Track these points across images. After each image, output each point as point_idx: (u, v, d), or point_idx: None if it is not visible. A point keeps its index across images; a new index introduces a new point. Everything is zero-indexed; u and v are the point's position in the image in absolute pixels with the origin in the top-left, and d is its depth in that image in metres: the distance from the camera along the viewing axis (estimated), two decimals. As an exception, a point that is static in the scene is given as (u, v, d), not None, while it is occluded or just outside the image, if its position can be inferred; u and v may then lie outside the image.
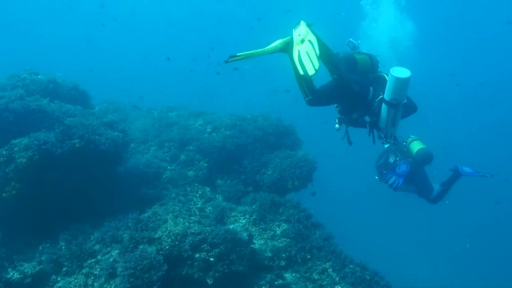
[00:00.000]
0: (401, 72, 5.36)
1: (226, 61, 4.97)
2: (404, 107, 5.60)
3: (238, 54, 4.96)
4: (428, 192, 8.21)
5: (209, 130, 10.82)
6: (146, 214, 7.54)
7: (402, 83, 5.38)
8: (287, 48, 5.13)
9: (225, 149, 9.95)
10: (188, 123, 11.43)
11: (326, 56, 5.15)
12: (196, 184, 9.40)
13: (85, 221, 7.46)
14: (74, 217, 7.49)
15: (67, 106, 8.35)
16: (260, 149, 10.21)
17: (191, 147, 10.30)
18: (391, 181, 8.26)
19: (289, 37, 5.14)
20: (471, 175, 7.61)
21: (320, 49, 4.77)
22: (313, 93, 5.22)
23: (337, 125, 6.45)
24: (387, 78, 5.60)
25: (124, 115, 12.54)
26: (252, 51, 5.04)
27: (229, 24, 35.97)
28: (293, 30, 5.12)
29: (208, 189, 9.40)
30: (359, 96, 5.71)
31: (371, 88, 5.82)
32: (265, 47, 5.16)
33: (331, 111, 6.53)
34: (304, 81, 5.18)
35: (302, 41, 4.90)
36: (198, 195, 9.09)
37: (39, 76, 9.66)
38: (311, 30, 4.96)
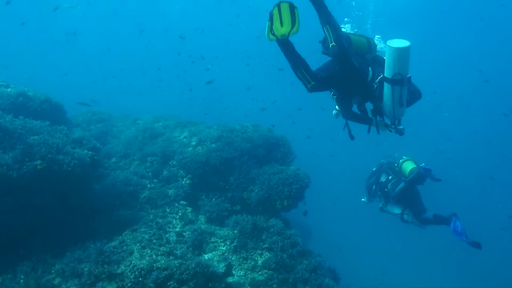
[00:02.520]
0: (399, 42, 4.93)
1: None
2: (408, 83, 5.13)
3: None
4: (420, 210, 7.96)
5: (194, 143, 10.05)
6: (112, 243, 6.82)
7: (402, 54, 4.93)
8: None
9: (209, 164, 9.14)
10: (173, 135, 10.69)
11: (329, 21, 4.95)
12: (176, 204, 8.65)
13: (56, 246, 6.81)
14: (39, 244, 6.86)
15: (32, 122, 7.64)
16: (248, 163, 9.41)
17: (174, 162, 9.56)
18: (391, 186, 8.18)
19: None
20: (456, 236, 7.15)
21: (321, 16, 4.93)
22: (314, 78, 4.92)
23: (335, 111, 6.04)
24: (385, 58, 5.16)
25: (108, 126, 11.84)
26: None
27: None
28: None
29: (189, 209, 8.64)
30: (358, 75, 5.31)
31: (370, 68, 5.47)
32: None
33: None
34: (304, 69, 4.89)
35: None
36: (178, 217, 8.36)
37: (9, 89, 9.00)
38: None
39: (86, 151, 7.73)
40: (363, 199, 9.16)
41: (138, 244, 6.67)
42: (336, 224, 23.45)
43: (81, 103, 9.84)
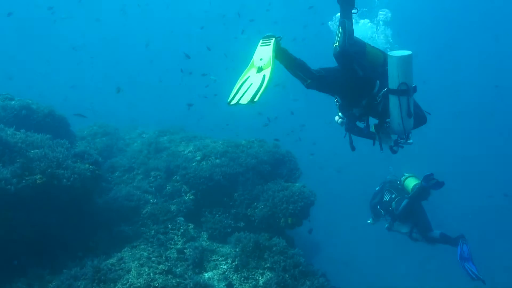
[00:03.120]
0: (401, 52, 4.87)
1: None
2: (415, 91, 5.02)
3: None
4: (426, 228, 7.72)
5: (198, 158, 9.89)
6: (111, 260, 6.66)
7: (406, 62, 4.84)
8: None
9: (213, 180, 8.97)
10: (178, 149, 10.55)
11: (344, 24, 4.91)
12: (178, 220, 8.49)
13: (55, 261, 6.71)
14: (38, 260, 6.73)
15: (34, 136, 7.57)
16: (252, 179, 9.23)
17: (177, 177, 9.41)
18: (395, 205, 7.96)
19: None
20: (463, 264, 7.01)
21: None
22: (311, 76, 4.80)
23: (340, 120, 5.84)
24: None
25: (113, 139, 11.74)
26: None
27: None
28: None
29: (192, 225, 8.48)
30: (362, 84, 5.17)
31: (378, 81, 5.22)
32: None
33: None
34: (299, 69, 4.78)
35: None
36: (179, 233, 8.19)
37: (13, 102, 8.93)
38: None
39: (87, 165, 7.61)
40: (368, 221, 8.96)
41: (136, 262, 6.51)
42: (346, 239, 23.10)
43: (78, 114, 9.72)
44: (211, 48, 21.16)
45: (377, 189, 8.82)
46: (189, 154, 10.19)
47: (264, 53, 4.36)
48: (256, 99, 3.90)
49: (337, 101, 5.68)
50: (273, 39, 4.54)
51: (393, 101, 5.01)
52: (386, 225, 8.44)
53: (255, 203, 8.87)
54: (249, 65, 4.40)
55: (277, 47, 4.57)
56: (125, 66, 35.80)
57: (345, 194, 25.59)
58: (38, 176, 6.70)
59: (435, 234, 7.66)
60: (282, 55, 4.66)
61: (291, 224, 8.33)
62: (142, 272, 6.20)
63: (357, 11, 5.15)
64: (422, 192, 7.40)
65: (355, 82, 5.09)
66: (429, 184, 7.13)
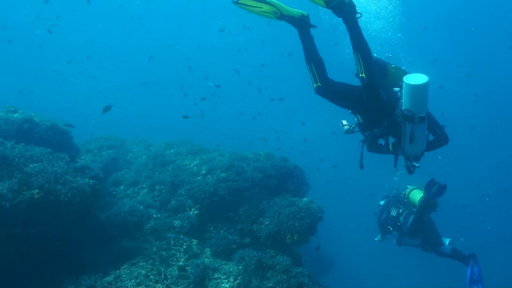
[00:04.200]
0: (416, 78, 4.66)
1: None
2: (423, 121, 4.82)
3: None
4: (436, 242, 7.47)
5: (203, 171, 9.67)
6: (108, 278, 6.44)
7: (417, 91, 4.66)
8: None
9: (217, 195, 8.72)
10: (184, 163, 10.34)
11: (360, 48, 4.82)
12: (182, 236, 8.26)
13: (52, 279, 6.53)
14: (33, 277, 6.54)
15: (34, 149, 7.43)
16: (258, 194, 8.96)
17: (182, 191, 9.18)
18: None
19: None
20: (471, 286, 6.68)
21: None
22: (324, 81, 4.83)
23: (346, 127, 5.72)
24: None
25: (120, 153, 11.59)
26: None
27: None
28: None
29: (195, 241, 8.23)
30: (385, 107, 5.10)
31: (400, 102, 5.12)
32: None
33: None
34: (314, 64, 4.86)
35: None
36: (182, 250, 7.94)
37: (16, 115, 8.84)
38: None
39: (87, 179, 7.43)
40: (376, 239, 8.63)
41: (133, 280, 6.27)
42: (359, 253, 22.68)
43: (67, 125, 9.53)
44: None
45: (381, 203, 8.54)
46: (194, 168, 9.98)
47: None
48: None
49: (357, 120, 5.56)
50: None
51: (402, 124, 4.96)
52: (394, 241, 8.16)
53: (261, 219, 8.60)
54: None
55: (303, 28, 4.96)
56: (140, 74, 35.85)
57: (356, 206, 25.23)
58: (36, 191, 6.52)
59: (446, 250, 7.37)
60: (307, 39, 4.94)
61: (297, 241, 8.02)
62: (138, 291, 5.95)
63: (361, 15, 4.93)
64: (427, 204, 7.13)
65: (380, 105, 5.02)
66: (432, 192, 6.81)
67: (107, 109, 8.72)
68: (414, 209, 7.64)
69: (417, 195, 7.71)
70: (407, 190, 8.11)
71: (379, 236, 8.56)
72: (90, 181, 7.46)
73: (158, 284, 6.24)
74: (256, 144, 17.89)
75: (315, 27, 5.10)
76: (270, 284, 6.56)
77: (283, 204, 8.53)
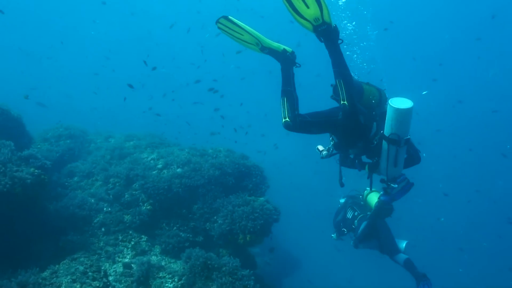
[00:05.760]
0: (401, 102, 4.68)
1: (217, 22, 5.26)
2: (406, 144, 4.92)
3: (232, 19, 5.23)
4: (390, 250, 7.18)
5: (160, 166, 9.39)
6: (45, 273, 6.14)
7: (402, 115, 4.69)
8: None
9: (171, 191, 8.48)
10: (141, 156, 10.04)
11: (342, 74, 4.82)
12: (130, 232, 8.00)
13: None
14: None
15: (-25, 137, 7.09)
16: (214, 192, 8.73)
17: (136, 186, 8.89)
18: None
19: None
20: None
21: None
22: (292, 117, 4.87)
23: (325, 152, 5.68)
24: None
25: (78, 143, 11.20)
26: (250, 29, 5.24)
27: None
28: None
29: (144, 238, 7.99)
30: (361, 130, 5.15)
31: (374, 123, 5.28)
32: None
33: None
34: (287, 98, 4.99)
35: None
36: (130, 246, 7.71)
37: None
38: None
39: (32, 169, 7.10)
40: (332, 235, 8.45)
41: (69, 277, 5.97)
42: (326, 255, 22.66)
43: (39, 103, 9.13)
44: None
45: (341, 201, 8.37)
46: (151, 162, 9.70)
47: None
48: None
49: (332, 139, 5.64)
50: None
51: (384, 147, 4.95)
52: (351, 242, 8.00)
53: (215, 217, 8.37)
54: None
55: (285, 63, 5.23)
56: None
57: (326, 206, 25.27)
58: (-27, 180, 6.22)
59: (400, 259, 7.09)
60: (287, 75, 5.16)
61: (249, 241, 7.83)
62: (72, 289, 5.68)
63: (342, 42, 4.88)
64: (380, 210, 6.63)
65: (355, 128, 5.03)
66: (390, 196, 6.54)
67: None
68: (369, 213, 7.40)
69: (374, 197, 7.34)
70: (365, 192, 7.86)
71: (335, 234, 8.40)
72: (36, 171, 7.13)
73: (95, 282, 5.96)
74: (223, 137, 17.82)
75: (299, 66, 5.29)
76: (214, 287, 6.36)
77: (237, 203, 8.31)
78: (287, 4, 4.53)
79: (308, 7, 4.49)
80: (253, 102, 29.87)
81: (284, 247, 18.27)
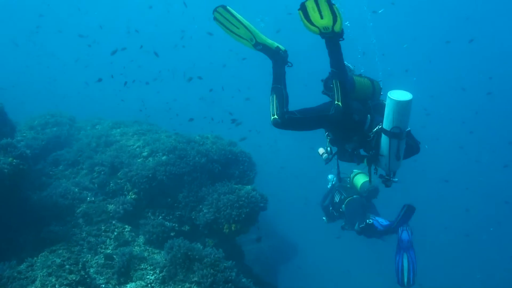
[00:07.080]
0: (401, 95, 4.61)
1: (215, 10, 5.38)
2: (407, 136, 4.94)
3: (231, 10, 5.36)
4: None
5: (145, 153, 9.20)
6: (22, 266, 6.00)
7: (403, 108, 4.63)
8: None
9: (156, 179, 8.29)
10: (127, 144, 9.85)
11: (339, 76, 4.86)
12: (114, 222, 7.85)
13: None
14: None
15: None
16: (200, 179, 8.53)
17: (121, 174, 8.71)
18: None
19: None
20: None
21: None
22: (281, 115, 4.94)
23: (325, 155, 5.98)
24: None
25: (64, 131, 10.96)
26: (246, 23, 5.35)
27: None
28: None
29: (128, 228, 7.83)
30: (355, 125, 5.19)
31: (368, 116, 5.26)
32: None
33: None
34: (276, 95, 5.10)
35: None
36: (113, 236, 7.56)
37: None
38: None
39: (10, 159, 6.93)
40: (323, 218, 8.45)
41: (44, 270, 5.83)
42: (323, 243, 22.60)
43: None
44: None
45: (329, 177, 8.39)
46: (137, 149, 9.51)
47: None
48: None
49: (328, 135, 5.73)
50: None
51: (384, 140, 4.93)
52: (342, 225, 7.98)
53: (200, 206, 8.21)
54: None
55: (277, 61, 5.38)
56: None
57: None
58: None
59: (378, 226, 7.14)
60: (278, 73, 5.29)
61: (234, 231, 7.69)
62: (47, 283, 5.54)
63: (343, 39, 4.82)
64: (371, 191, 7.35)
65: (349, 124, 5.12)
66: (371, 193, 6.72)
67: None
68: (355, 196, 7.58)
69: (360, 179, 7.69)
70: (352, 175, 8.02)
71: (325, 218, 8.41)
72: (14, 160, 6.96)
73: (72, 275, 5.80)
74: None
75: (291, 65, 5.42)
76: (195, 278, 6.21)
77: (223, 191, 8.14)
78: (301, 14, 4.49)
79: (322, 18, 4.48)
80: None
81: (281, 234, 18.25)
